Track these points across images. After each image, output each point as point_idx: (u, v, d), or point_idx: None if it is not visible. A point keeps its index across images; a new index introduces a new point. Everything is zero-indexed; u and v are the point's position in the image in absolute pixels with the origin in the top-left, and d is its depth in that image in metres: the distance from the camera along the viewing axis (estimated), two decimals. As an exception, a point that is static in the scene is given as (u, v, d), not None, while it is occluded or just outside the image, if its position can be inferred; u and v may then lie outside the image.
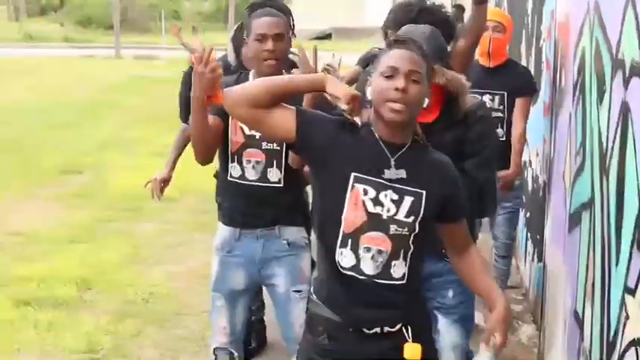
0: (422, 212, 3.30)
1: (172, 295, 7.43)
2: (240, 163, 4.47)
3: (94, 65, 30.82)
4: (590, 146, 4.06)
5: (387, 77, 3.21)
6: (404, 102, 3.19)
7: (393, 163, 3.29)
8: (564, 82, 5.26)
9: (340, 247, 3.31)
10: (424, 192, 3.31)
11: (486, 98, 6.22)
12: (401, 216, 3.29)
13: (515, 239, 7.22)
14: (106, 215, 10.19)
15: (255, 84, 3.41)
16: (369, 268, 3.29)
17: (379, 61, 3.29)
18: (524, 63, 7.59)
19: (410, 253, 3.33)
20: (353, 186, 3.27)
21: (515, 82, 6.35)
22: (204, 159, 4.37)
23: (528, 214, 7.43)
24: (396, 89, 3.17)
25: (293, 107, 3.34)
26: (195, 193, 10.73)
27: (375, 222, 3.28)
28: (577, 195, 4.43)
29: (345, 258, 3.31)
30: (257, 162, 4.44)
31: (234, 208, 4.59)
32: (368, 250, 3.29)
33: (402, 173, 3.30)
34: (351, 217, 3.28)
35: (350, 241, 3.30)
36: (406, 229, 3.30)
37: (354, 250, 3.30)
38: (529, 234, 7.32)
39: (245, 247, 4.58)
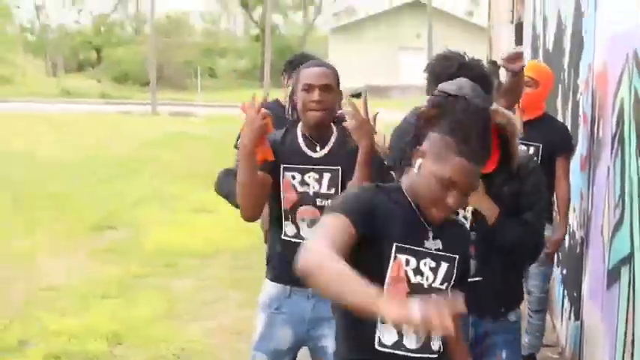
0: (454, 277, 3.21)
1: (205, 352, 7.34)
2: (294, 221, 4.37)
3: (130, 121, 31.04)
4: (630, 199, 3.98)
5: (443, 185, 3.02)
6: (452, 211, 3.14)
7: (431, 234, 3.18)
8: (602, 134, 5.18)
9: (382, 321, 3.11)
10: (457, 257, 3.22)
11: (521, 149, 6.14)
12: (437, 283, 3.18)
13: (549, 292, 7.09)
14: (140, 271, 10.11)
15: (324, 285, 2.87)
16: (412, 342, 3.15)
17: (440, 157, 3.03)
18: (560, 118, 7.52)
19: None
20: (395, 256, 3.12)
21: (552, 135, 6.29)
22: (251, 215, 4.33)
23: (565, 271, 7.31)
24: (450, 206, 3.06)
25: (343, 216, 3.02)
26: (230, 250, 10.70)
27: (417, 293, 3.10)
28: (616, 250, 4.35)
29: (387, 334, 3.14)
30: (312, 220, 4.30)
31: (285, 266, 4.27)
32: None
33: (439, 243, 3.19)
34: (393, 289, 3.12)
35: None
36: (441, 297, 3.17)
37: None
38: (565, 291, 7.19)
39: (295, 305, 4.43)
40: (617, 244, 4.31)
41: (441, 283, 3.18)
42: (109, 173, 17.93)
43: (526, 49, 10.43)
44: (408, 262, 3.13)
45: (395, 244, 3.12)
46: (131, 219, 13.23)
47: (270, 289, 4.52)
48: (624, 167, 4.19)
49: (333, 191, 4.36)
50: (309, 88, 4.29)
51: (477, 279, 3.83)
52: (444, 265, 3.19)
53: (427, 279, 3.16)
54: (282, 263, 4.41)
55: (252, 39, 69.40)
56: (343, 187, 4.23)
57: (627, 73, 4.21)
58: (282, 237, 4.41)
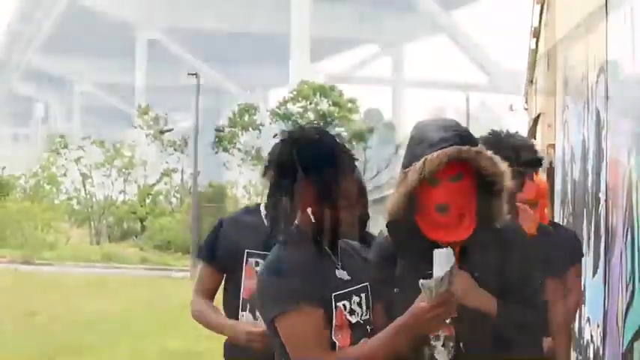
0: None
1: None
2: (252, 310, 4.15)
3: (168, 284, 31.07)
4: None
5: None
6: None
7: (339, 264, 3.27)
8: (615, 222, 4.88)
9: None
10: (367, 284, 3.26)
11: None
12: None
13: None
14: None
15: None
16: None
17: None
18: (585, 245, 7.23)
19: None
20: (336, 306, 3.12)
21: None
22: None
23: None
24: None
25: (309, 308, 3.06)
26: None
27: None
28: (628, 329, 4.07)
29: None
30: None
31: (238, 354, 4.17)
32: None
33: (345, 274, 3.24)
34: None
35: None
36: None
37: None
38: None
39: None
40: (629, 322, 4.05)
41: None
42: (143, 328, 17.90)
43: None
44: (345, 307, 3.14)
45: (333, 295, 3.11)
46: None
47: None
48: (634, 246, 3.93)
49: None
50: None
51: None
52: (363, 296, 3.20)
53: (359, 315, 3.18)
54: (235, 351, 4.22)
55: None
56: None
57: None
58: None
